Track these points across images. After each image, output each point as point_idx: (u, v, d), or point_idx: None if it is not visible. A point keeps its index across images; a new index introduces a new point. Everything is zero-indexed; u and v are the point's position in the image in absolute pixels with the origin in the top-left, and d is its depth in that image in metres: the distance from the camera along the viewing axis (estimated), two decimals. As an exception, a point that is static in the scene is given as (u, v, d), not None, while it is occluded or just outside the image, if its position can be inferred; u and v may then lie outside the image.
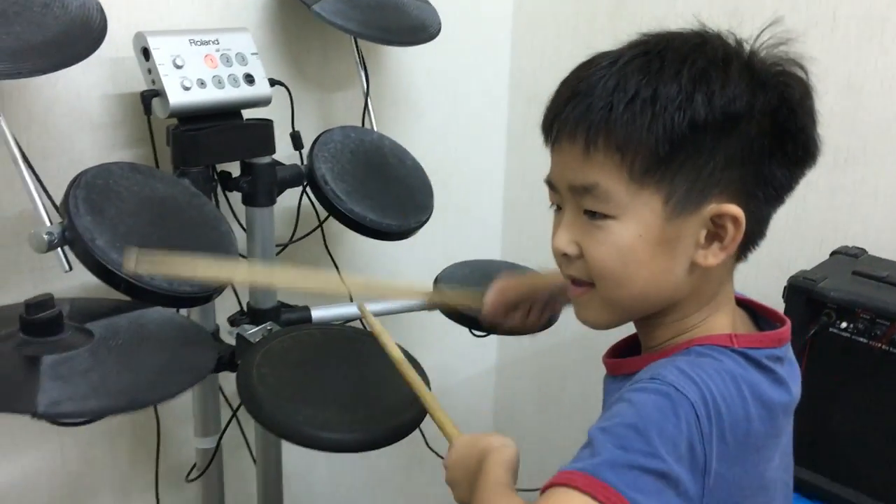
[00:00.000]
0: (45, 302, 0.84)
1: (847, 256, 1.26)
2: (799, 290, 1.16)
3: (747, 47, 0.71)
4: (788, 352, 0.77)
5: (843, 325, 1.13)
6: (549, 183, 0.76)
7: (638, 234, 0.70)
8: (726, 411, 0.66)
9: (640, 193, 0.69)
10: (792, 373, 0.76)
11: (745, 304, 0.81)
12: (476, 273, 1.40)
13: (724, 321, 0.75)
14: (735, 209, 0.69)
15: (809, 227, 1.38)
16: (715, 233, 0.71)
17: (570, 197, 0.73)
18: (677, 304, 0.74)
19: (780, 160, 0.70)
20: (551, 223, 0.78)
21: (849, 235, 1.34)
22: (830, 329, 1.14)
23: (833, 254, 1.28)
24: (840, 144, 1.34)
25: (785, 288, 1.18)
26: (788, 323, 0.77)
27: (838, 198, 1.35)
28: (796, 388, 0.76)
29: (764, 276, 1.12)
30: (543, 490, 0.63)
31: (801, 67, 0.71)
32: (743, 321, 0.79)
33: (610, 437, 0.63)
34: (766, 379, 0.71)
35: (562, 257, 0.75)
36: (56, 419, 0.79)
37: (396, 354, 0.94)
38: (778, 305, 1.17)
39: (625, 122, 0.67)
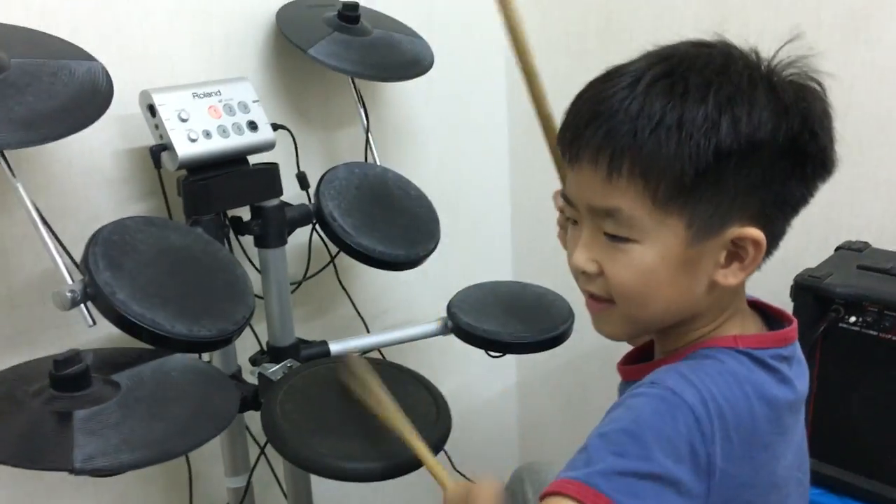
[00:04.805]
0: (72, 357, 0.87)
1: (851, 251, 1.27)
2: (806, 288, 1.17)
3: (765, 65, 0.70)
4: (796, 350, 0.78)
5: (852, 319, 1.14)
6: (566, 198, 0.76)
7: (660, 257, 0.70)
8: (729, 411, 0.67)
9: (663, 219, 0.69)
10: (799, 371, 0.77)
11: (756, 306, 0.82)
12: (489, 296, 1.42)
13: (734, 326, 0.77)
14: (756, 233, 0.70)
15: (813, 224, 1.39)
16: (735, 252, 0.71)
17: (589, 216, 0.73)
18: (694, 316, 0.76)
19: (798, 180, 0.71)
20: (560, 239, 0.79)
21: (852, 230, 1.36)
22: (840, 324, 1.15)
23: (837, 249, 1.29)
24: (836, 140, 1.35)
25: (792, 286, 1.19)
26: (795, 322, 0.78)
27: (839, 193, 1.36)
28: (802, 386, 0.77)
29: (771, 275, 1.13)
30: (541, 498, 0.65)
31: (818, 83, 0.71)
32: (754, 322, 0.80)
33: (606, 442, 0.66)
34: (770, 378, 0.72)
35: (581, 275, 0.75)
36: (91, 474, 0.81)
37: (384, 407, 0.91)
38: (786, 304, 1.19)
39: (650, 149, 0.66)
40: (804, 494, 0.81)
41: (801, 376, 0.77)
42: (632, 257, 0.71)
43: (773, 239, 0.73)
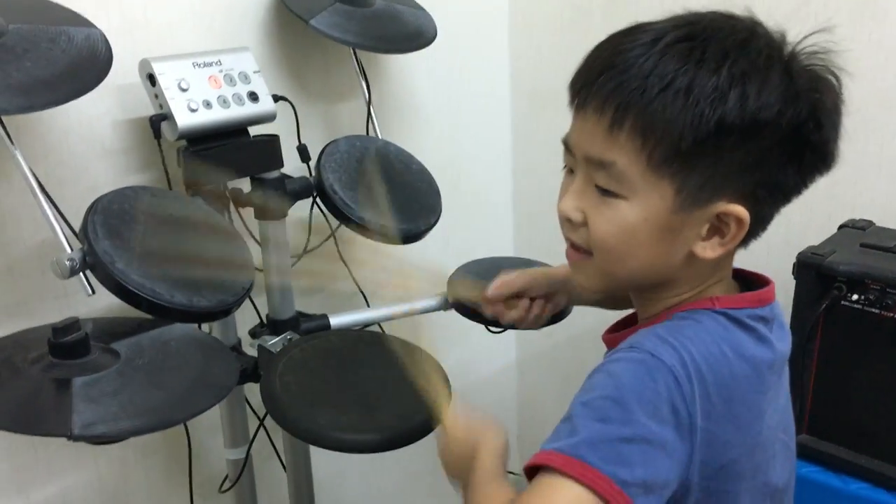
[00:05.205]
0: (71, 325, 0.86)
1: (854, 229, 1.27)
2: (808, 266, 1.17)
3: (788, 49, 0.70)
4: (775, 312, 0.78)
5: (855, 297, 1.14)
6: (567, 145, 0.77)
7: (644, 217, 0.71)
8: (708, 370, 0.68)
9: (654, 181, 0.70)
10: (780, 333, 0.78)
11: (736, 274, 0.82)
12: (491, 271, 1.42)
13: (715, 293, 0.77)
14: (741, 211, 0.70)
15: (817, 202, 1.38)
16: (718, 227, 0.72)
17: (584, 166, 0.74)
18: (672, 282, 0.77)
19: (795, 168, 0.71)
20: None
21: (856, 208, 1.35)
22: (842, 302, 1.15)
23: (841, 227, 1.29)
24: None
25: (794, 264, 1.19)
26: (772, 284, 0.79)
27: (843, 171, 1.33)
28: (782, 346, 0.78)
29: (774, 253, 1.13)
30: (525, 468, 0.66)
31: (837, 78, 0.71)
32: (732, 288, 0.80)
33: (589, 410, 0.67)
34: (747, 337, 0.73)
35: (566, 221, 0.77)
36: (90, 440, 0.81)
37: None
38: (789, 281, 1.18)
39: (654, 109, 0.67)
40: (791, 458, 0.81)
41: (781, 339, 0.78)
42: (616, 212, 0.72)
43: (759, 221, 0.73)
